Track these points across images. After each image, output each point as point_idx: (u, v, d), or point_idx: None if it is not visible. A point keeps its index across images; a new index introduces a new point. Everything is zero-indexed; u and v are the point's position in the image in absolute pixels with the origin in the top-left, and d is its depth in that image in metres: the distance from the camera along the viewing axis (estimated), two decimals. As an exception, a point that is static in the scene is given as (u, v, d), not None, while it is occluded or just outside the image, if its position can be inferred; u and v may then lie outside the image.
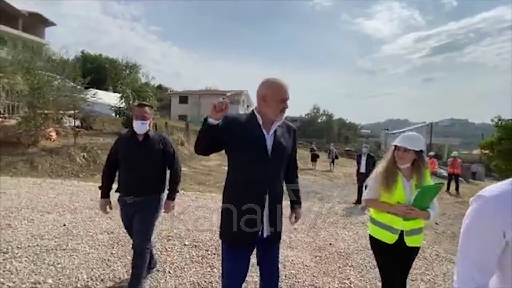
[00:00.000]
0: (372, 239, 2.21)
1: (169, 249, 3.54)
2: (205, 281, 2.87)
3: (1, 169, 7.53)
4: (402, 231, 2.06)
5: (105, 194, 2.57)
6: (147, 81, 31.04)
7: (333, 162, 15.89)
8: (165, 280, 2.85)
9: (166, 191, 2.65)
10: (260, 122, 1.75)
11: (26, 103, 9.51)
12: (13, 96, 10.80)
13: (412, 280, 3.26)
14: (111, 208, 2.60)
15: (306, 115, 58.22)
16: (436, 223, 6.01)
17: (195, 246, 3.70)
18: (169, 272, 3.00)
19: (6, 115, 10.81)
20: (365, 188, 2.30)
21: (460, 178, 12.22)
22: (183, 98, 34.80)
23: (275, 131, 1.77)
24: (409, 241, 2.07)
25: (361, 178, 7.23)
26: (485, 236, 0.89)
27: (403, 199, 2.04)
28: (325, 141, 35.25)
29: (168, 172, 2.65)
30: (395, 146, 2.13)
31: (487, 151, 18.25)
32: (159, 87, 41.71)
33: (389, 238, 2.08)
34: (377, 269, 2.25)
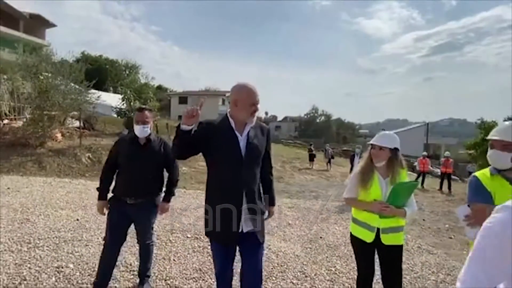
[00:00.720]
0: (352, 237, 2.26)
1: (173, 241, 3.92)
2: (206, 268, 3.23)
3: (12, 169, 7.94)
4: (378, 229, 2.09)
5: (103, 196, 2.58)
6: (147, 81, 31.38)
7: (329, 161, 16.18)
8: (171, 266, 3.22)
9: (163, 194, 2.69)
10: (233, 125, 1.81)
11: (35, 106, 9.88)
12: (17, 98, 11.13)
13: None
14: (108, 209, 2.61)
15: (305, 115, 58.58)
16: (424, 219, 6.36)
17: (197, 238, 4.07)
18: (174, 260, 3.38)
19: (12, 116, 11.16)
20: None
21: (453, 177, 12.61)
22: (183, 99, 34.95)
23: (248, 133, 1.83)
24: (385, 239, 2.09)
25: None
26: (507, 246, 0.90)
27: (379, 197, 2.09)
28: (323, 141, 35.55)
29: (166, 174, 2.70)
30: (371, 145, 2.20)
31: (472, 152, 18.67)
32: (159, 87, 41.99)
33: (367, 236, 2.12)
34: None
